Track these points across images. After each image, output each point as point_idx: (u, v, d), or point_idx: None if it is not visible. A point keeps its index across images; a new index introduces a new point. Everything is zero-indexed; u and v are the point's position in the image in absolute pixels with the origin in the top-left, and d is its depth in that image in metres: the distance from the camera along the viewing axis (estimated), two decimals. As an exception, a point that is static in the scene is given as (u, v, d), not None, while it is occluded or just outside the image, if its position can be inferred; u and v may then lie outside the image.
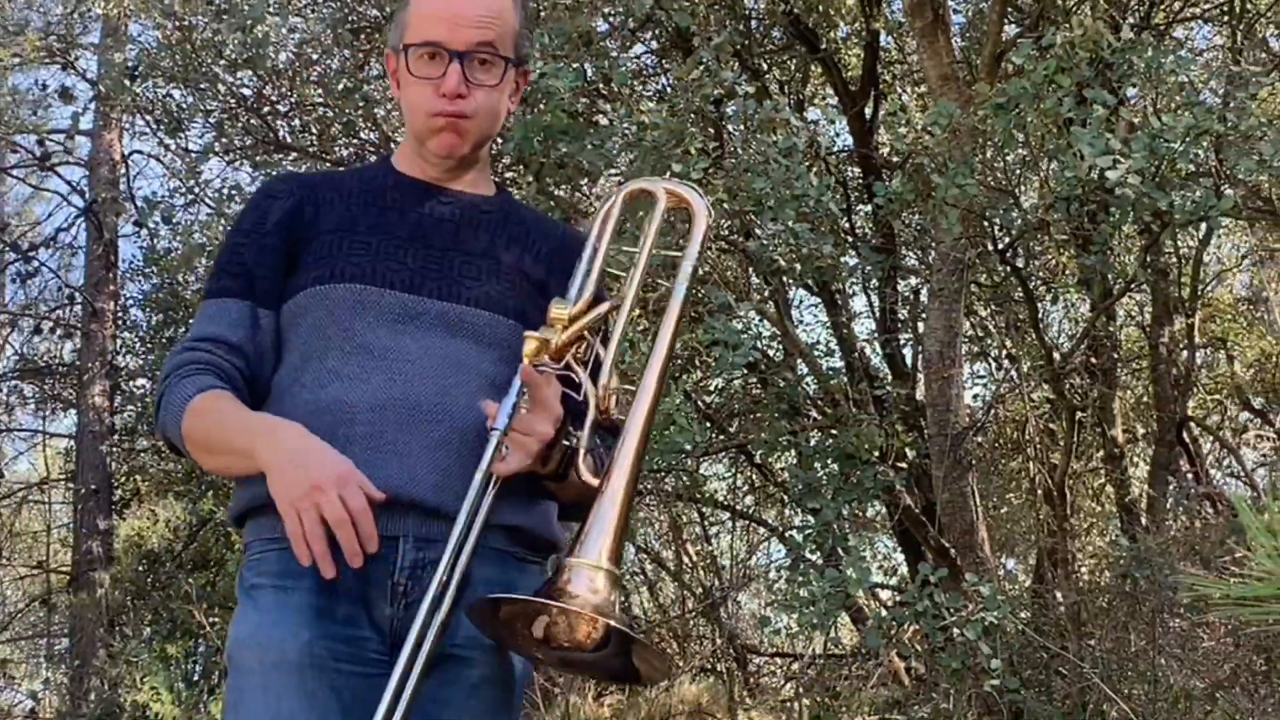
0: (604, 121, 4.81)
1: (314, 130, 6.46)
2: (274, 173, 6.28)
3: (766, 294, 5.66)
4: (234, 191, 6.97)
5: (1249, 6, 6.78)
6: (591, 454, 1.64)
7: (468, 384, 1.70)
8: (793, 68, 7.37)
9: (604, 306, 1.72)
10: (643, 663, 1.63)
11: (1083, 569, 6.51)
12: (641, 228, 1.84)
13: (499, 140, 5.45)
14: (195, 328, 1.76)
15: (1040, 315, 6.40)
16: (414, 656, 1.52)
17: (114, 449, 9.01)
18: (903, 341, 6.86)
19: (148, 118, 7.39)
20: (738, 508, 8.15)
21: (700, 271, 5.38)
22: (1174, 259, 6.94)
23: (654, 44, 6.75)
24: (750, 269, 5.45)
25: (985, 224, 5.25)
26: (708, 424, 5.60)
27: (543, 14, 5.35)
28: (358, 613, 1.62)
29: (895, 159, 6.52)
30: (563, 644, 1.58)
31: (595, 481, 1.61)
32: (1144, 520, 6.51)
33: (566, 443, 1.63)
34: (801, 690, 7.38)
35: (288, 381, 1.72)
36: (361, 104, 5.73)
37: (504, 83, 1.81)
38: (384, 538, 1.60)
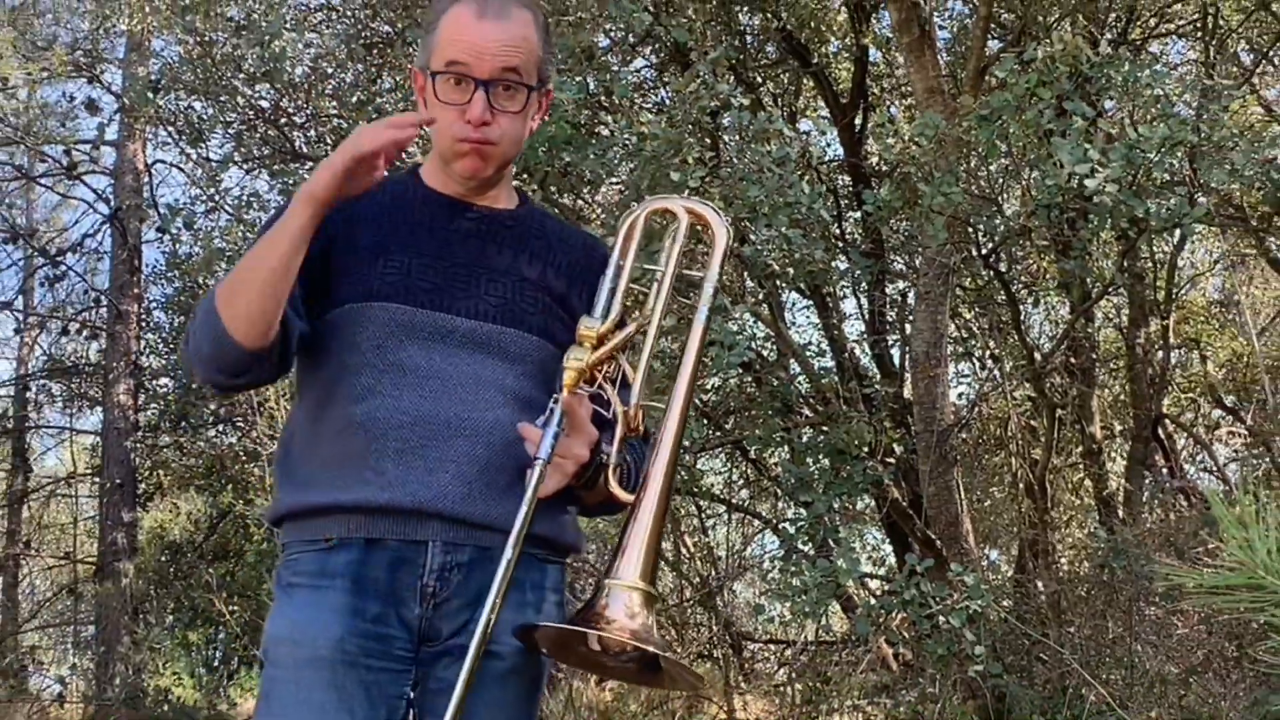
0: (605, 132, 4.81)
1: (329, 140, 6.45)
2: (291, 181, 6.28)
3: (761, 297, 5.66)
4: (252, 199, 6.98)
5: (1220, 23, 6.78)
6: (620, 468, 1.65)
7: (495, 399, 1.71)
8: (786, 81, 7.38)
9: (631, 328, 1.72)
10: (674, 678, 1.66)
11: (1062, 559, 6.52)
12: (660, 243, 1.83)
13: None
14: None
15: (1022, 317, 6.40)
16: (477, 654, 1.52)
17: (138, 445, 9.01)
18: (891, 342, 6.87)
19: (170, 129, 7.40)
20: (733, 501, 8.14)
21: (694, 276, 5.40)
22: (1150, 264, 6.94)
23: (653, 58, 6.75)
24: (745, 273, 5.45)
25: (969, 230, 5.26)
26: (705, 421, 5.60)
27: (546, 29, 5.35)
28: (388, 612, 1.63)
29: (883, 168, 6.52)
30: (601, 659, 1.61)
31: (624, 496, 1.63)
32: (1121, 513, 6.52)
33: (599, 459, 1.65)
34: (794, 675, 7.38)
35: (323, 396, 1.73)
36: (374, 115, 5.72)
37: (528, 107, 1.81)
38: (413, 543, 1.64)
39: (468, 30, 1.77)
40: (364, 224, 1.80)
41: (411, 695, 1.65)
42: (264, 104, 6.41)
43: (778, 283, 5.60)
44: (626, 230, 1.80)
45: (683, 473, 6.41)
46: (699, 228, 1.84)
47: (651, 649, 1.53)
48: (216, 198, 7.36)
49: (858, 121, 6.92)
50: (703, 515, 8.99)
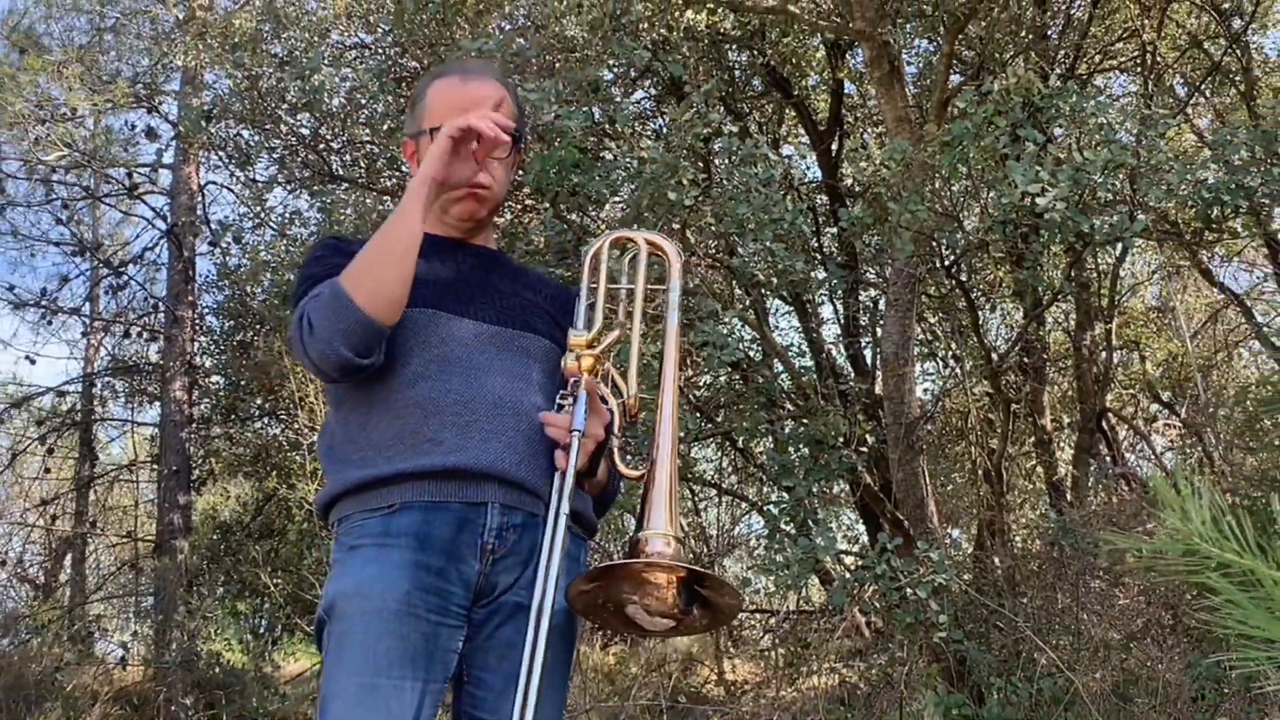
0: (609, 156, 4.80)
1: (362, 164, 6.46)
2: (329, 200, 6.29)
3: (748, 303, 5.66)
4: (294, 216, 6.99)
5: (1158, 59, 6.79)
6: (624, 450, 1.73)
7: (526, 388, 1.76)
8: (770, 111, 7.38)
9: (614, 334, 1.77)
10: (720, 599, 1.65)
11: (1016, 538, 6.52)
12: (623, 266, 1.89)
13: (520, 174, 5.45)
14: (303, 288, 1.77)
15: (980, 322, 6.40)
16: (539, 615, 1.54)
17: (192, 436, 9.02)
18: (863, 344, 6.88)
19: (220, 153, 7.39)
20: (723, 485, 8.16)
21: (689, 286, 5.39)
22: (1094, 274, 6.95)
23: (652, 91, 6.76)
24: (734, 282, 5.45)
25: (933, 244, 5.25)
26: (698, 414, 5.60)
27: (557, 65, 5.35)
28: (449, 569, 1.63)
29: (857, 188, 6.52)
30: (646, 605, 1.63)
31: (629, 472, 1.70)
32: (1069, 496, 6.52)
33: (610, 442, 1.71)
34: (777, 641, 7.38)
35: (376, 385, 1.73)
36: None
37: (511, 157, 1.87)
38: (475, 504, 1.66)
39: (457, 92, 1.84)
40: None
41: (462, 649, 1.65)
42: (304, 131, 6.41)
43: (763, 291, 5.60)
44: (591, 258, 1.85)
45: (678, 460, 6.43)
46: (656, 253, 1.89)
47: (691, 566, 1.60)
48: (262, 215, 7.39)
49: (834, 147, 6.93)
50: (696, 498, 9.00)
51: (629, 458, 1.76)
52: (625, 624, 1.64)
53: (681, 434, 4.69)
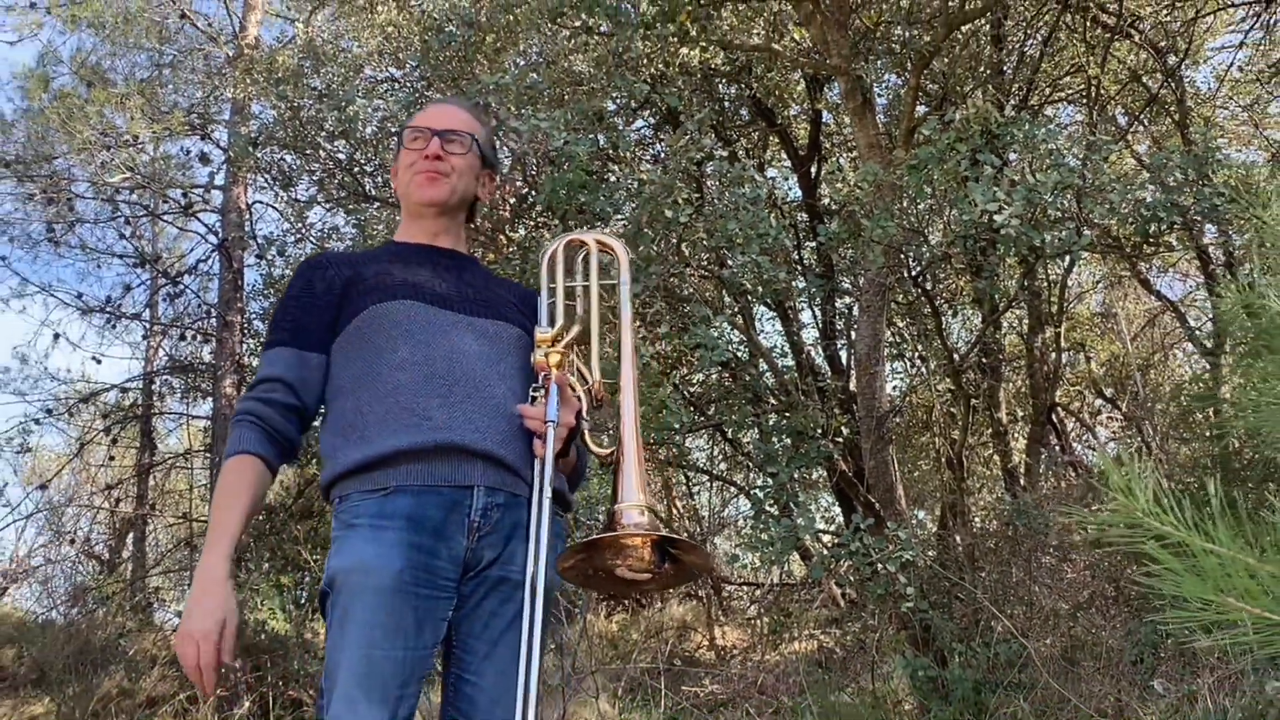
0: (612, 178, 4.80)
1: (392, 185, 6.46)
2: (363, 217, 6.28)
3: (736, 309, 5.66)
4: (332, 232, 6.99)
5: (1101, 92, 6.79)
6: (594, 431, 1.73)
7: (504, 371, 1.75)
8: (756, 138, 7.38)
9: (576, 329, 1.75)
10: (689, 558, 1.65)
11: (976, 519, 6.52)
12: (579, 265, 1.87)
13: (533, 193, 5.45)
14: (260, 371, 1.79)
15: (943, 326, 6.41)
16: (534, 589, 1.57)
17: (241, 427, 9.02)
18: (839, 345, 6.87)
19: (266, 176, 7.38)
20: (714, 472, 8.15)
21: (684, 294, 5.39)
22: (1045, 283, 6.94)
23: (650, 120, 6.75)
24: (723, 290, 5.45)
25: (902, 256, 5.26)
26: (691, 408, 5.60)
27: (566, 97, 5.35)
28: (438, 546, 1.62)
29: (834, 207, 6.53)
30: (628, 565, 1.62)
31: (600, 450, 1.68)
32: (1022, 482, 6.52)
33: (581, 426, 1.71)
34: (762, 611, 7.38)
35: (366, 370, 1.72)
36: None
37: (470, 156, 1.88)
38: (460, 486, 1.64)
39: (427, 111, 1.93)
40: (367, 265, 1.85)
41: (451, 617, 1.65)
42: (341, 156, 6.41)
43: (749, 298, 5.60)
44: (549, 259, 1.83)
45: (674, 449, 6.42)
46: (606, 252, 1.87)
47: (663, 532, 1.59)
48: (303, 231, 7.38)
49: (813, 170, 6.93)
50: (690, 483, 9.00)
51: (604, 437, 1.76)
52: (615, 583, 1.63)
53: (676, 426, 4.69)
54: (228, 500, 1.66)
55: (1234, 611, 0.87)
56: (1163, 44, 6.80)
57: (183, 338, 9.94)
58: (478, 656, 1.64)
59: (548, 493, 1.60)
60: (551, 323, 1.75)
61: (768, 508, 4.64)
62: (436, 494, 1.63)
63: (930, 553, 5.11)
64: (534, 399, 1.69)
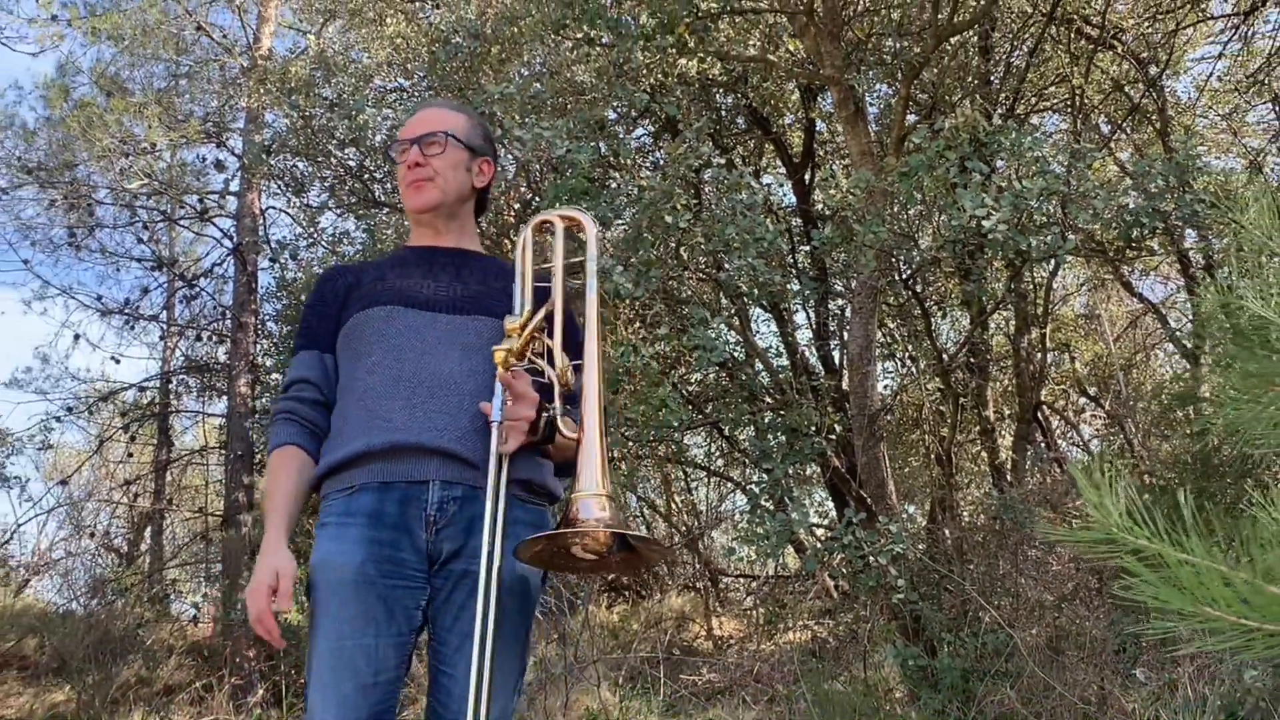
0: (614, 184, 4.80)
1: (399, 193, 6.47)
2: (372, 222, 6.28)
3: (733, 311, 5.66)
4: (342, 236, 6.97)
5: (1085, 101, 6.79)
6: (567, 416, 1.65)
7: (476, 369, 1.73)
8: (752, 145, 7.38)
9: (541, 312, 1.72)
10: (646, 551, 1.64)
11: (964, 513, 6.52)
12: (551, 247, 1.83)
13: (537, 199, 5.45)
14: (290, 373, 1.86)
15: (933, 327, 6.41)
16: (488, 580, 1.56)
17: (254, 425, 9.01)
18: (832, 346, 6.87)
19: (279, 182, 7.40)
20: (711, 468, 8.15)
21: (682, 295, 5.39)
22: (1031, 286, 6.94)
23: (650, 128, 6.75)
24: (721, 293, 5.45)
25: (893, 260, 5.26)
26: (690, 406, 5.59)
27: (568, 106, 5.34)
28: (400, 539, 1.64)
29: (827, 212, 6.52)
30: (589, 554, 1.57)
31: (570, 435, 1.63)
32: (1009, 477, 6.51)
33: (545, 414, 1.64)
34: (758, 602, 7.38)
35: (348, 375, 1.78)
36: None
37: (452, 152, 1.88)
38: (418, 483, 1.65)
39: (409, 123, 1.94)
40: (368, 272, 1.90)
41: (424, 606, 1.65)
42: (351, 163, 6.41)
43: (746, 300, 5.60)
44: (521, 246, 1.81)
45: (673, 446, 6.42)
46: (572, 226, 1.82)
47: (618, 530, 1.51)
48: (315, 235, 7.37)
49: (807, 177, 6.93)
50: (688, 479, 9.00)
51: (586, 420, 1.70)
52: (570, 560, 1.58)
53: (675, 423, 4.69)
54: (275, 485, 1.73)
55: (1211, 620, 0.87)
56: (1144, 55, 6.80)
57: (198, 338, 9.94)
58: (450, 649, 1.65)
59: (502, 488, 1.60)
60: (521, 310, 1.72)
61: (763, 502, 4.64)
62: (393, 489, 1.65)
63: (920, 546, 5.11)
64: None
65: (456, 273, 1.85)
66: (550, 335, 1.71)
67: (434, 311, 1.78)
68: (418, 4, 7.13)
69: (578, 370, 1.72)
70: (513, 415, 1.63)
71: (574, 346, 1.75)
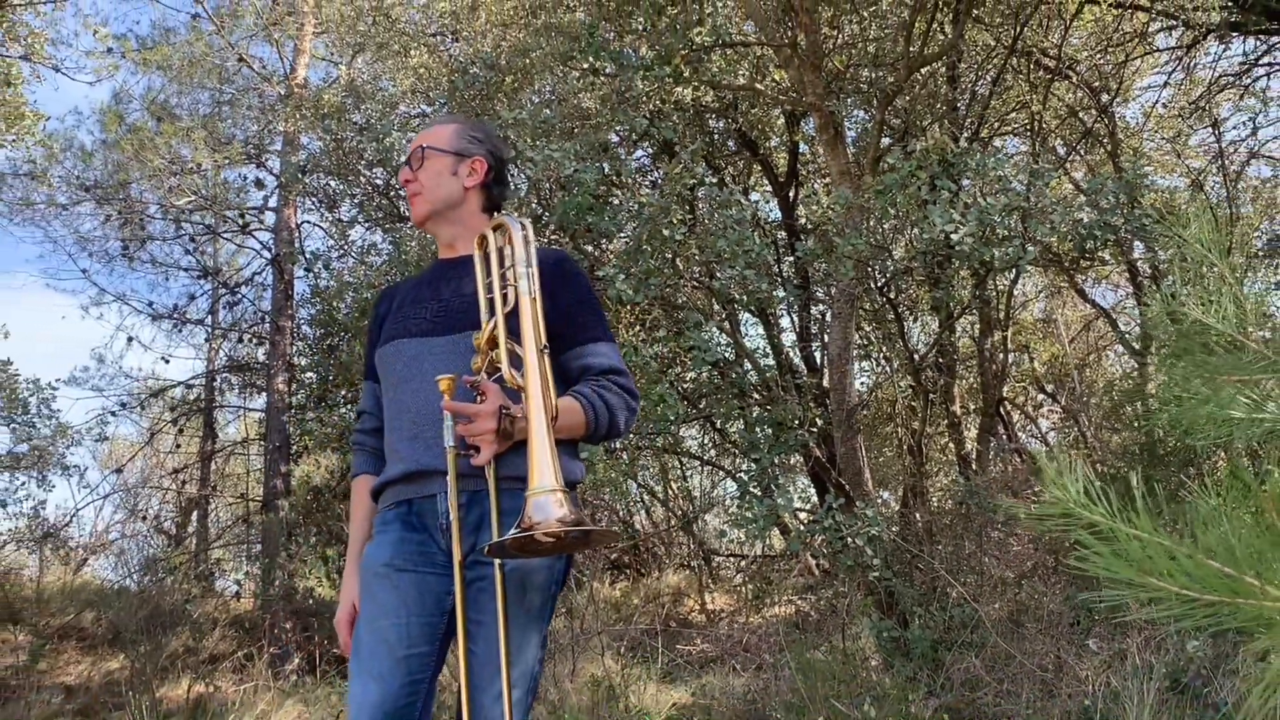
0: (616, 201, 4.80)
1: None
2: (397, 236, 6.28)
3: (724, 316, 5.66)
4: (370, 248, 6.98)
5: (1043, 126, 6.79)
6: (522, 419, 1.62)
7: (468, 391, 1.66)
8: (741, 166, 7.38)
9: (491, 322, 1.65)
10: (599, 537, 1.62)
11: (933, 499, 6.52)
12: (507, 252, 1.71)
13: (546, 214, 5.44)
14: (360, 402, 1.93)
15: (905, 330, 6.41)
16: (462, 566, 1.61)
17: (290, 419, 9.02)
18: (814, 347, 6.87)
19: (313, 199, 7.40)
20: (704, 457, 8.15)
21: (678, 301, 5.38)
22: (994, 292, 6.94)
23: (649, 150, 6.75)
24: (713, 299, 5.45)
25: (869, 269, 5.26)
26: (685, 402, 5.60)
27: (575, 130, 5.34)
28: (425, 539, 1.69)
29: (809, 226, 6.52)
30: (548, 539, 1.50)
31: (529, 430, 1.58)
32: (974, 466, 6.51)
33: (507, 415, 1.58)
34: (747, 579, 7.38)
35: (385, 406, 1.83)
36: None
37: (430, 163, 1.85)
38: (428, 497, 1.70)
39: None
40: (396, 298, 1.90)
41: (453, 593, 1.65)
42: (378, 182, 6.41)
43: (736, 306, 5.60)
44: (476, 263, 1.73)
45: (670, 438, 6.43)
46: (501, 229, 1.72)
47: (569, 528, 1.45)
48: (345, 247, 7.37)
49: (791, 194, 6.93)
50: (684, 468, 9.00)
51: (594, 407, 1.69)
52: (534, 543, 1.51)
53: (671, 418, 4.69)
54: (353, 515, 1.87)
55: (1156, 590, 0.88)
56: (1096, 84, 6.81)
57: (240, 340, 9.95)
58: (471, 627, 1.66)
59: (493, 495, 1.60)
60: (484, 322, 1.66)
61: (751, 489, 4.65)
62: (412, 504, 1.72)
63: (893, 529, 5.12)
64: (479, 401, 1.64)
65: (457, 286, 1.79)
66: (517, 339, 1.62)
67: (431, 336, 1.75)
68: (439, 38, 7.14)
69: (553, 351, 1.64)
70: (475, 433, 1.58)
71: (575, 325, 1.72)
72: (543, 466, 1.49)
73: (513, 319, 1.63)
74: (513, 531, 1.47)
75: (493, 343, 1.63)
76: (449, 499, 1.62)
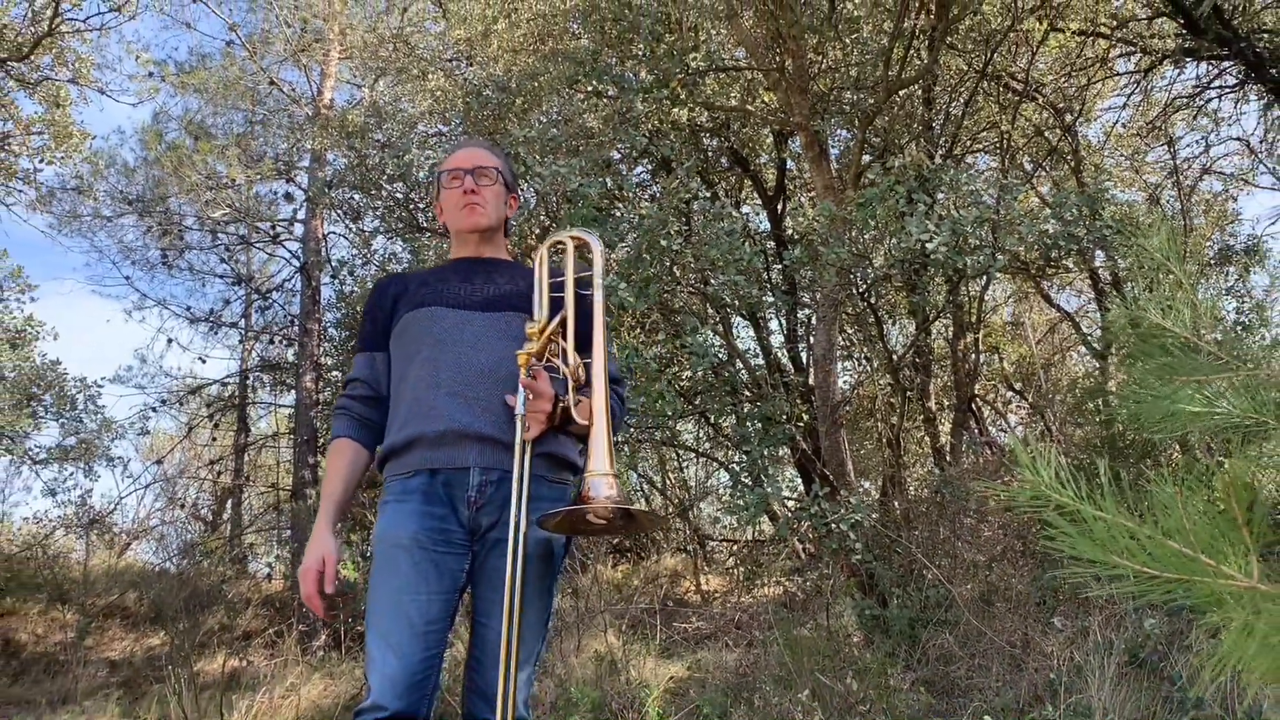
0: (618, 214, 4.80)
1: (439, 219, 6.46)
2: (416, 245, 6.28)
3: (718, 319, 5.66)
4: (391, 256, 6.97)
5: (1011, 144, 6.79)
6: (578, 405, 1.67)
7: (504, 357, 1.72)
8: (733, 180, 7.38)
9: (557, 318, 1.71)
10: (645, 521, 1.66)
11: (910, 488, 6.52)
12: (566, 261, 1.79)
13: (554, 224, 5.44)
14: (351, 371, 1.85)
15: (884, 332, 6.40)
16: (516, 545, 1.58)
17: (318, 414, 9.02)
18: (800, 348, 6.87)
19: (338, 211, 7.39)
20: (700, 450, 8.15)
21: (676, 306, 5.38)
22: (966, 298, 6.94)
23: (648, 166, 6.75)
24: (708, 304, 5.45)
25: (851, 276, 5.26)
26: (682, 399, 5.60)
27: (580, 148, 5.34)
28: (448, 514, 1.65)
29: (796, 236, 6.52)
30: (599, 521, 1.57)
31: (581, 420, 1.64)
32: (948, 458, 6.51)
33: (561, 404, 1.65)
34: (739, 562, 7.38)
35: (401, 369, 1.77)
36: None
37: (497, 186, 1.89)
38: (460, 469, 1.65)
39: (456, 154, 1.92)
40: (414, 280, 1.87)
41: (467, 570, 1.66)
42: (399, 195, 6.41)
43: (728, 310, 5.60)
44: (537, 260, 1.80)
45: (668, 432, 6.42)
46: (582, 248, 1.81)
47: (625, 506, 1.54)
48: (368, 256, 7.37)
49: (779, 207, 6.92)
50: (680, 459, 8.99)
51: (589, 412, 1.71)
52: (585, 525, 1.58)
53: (669, 413, 4.69)
54: (329, 475, 1.75)
55: (1118, 567, 0.88)
56: (1061, 105, 6.81)
57: (271, 342, 9.95)
58: (486, 603, 1.66)
59: (526, 471, 1.61)
60: (538, 314, 1.71)
61: (743, 479, 4.64)
62: (440, 475, 1.66)
63: (874, 515, 5.12)
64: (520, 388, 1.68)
65: (489, 276, 1.83)
66: (564, 337, 1.70)
67: (470, 310, 1.76)
68: (454, 62, 7.13)
69: (587, 367, 1.71)
70: (532, 409, 1.63)
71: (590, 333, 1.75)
72: (602, 452, 1.55)
73: (581, 322, 1.72)
74: (565, 509, 1.53)
75: (547, 335, 1.68)
76: (515, 465, 1.61)
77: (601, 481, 1.52)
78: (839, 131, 6.64)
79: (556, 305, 1.74)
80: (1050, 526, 0.94)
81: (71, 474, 8.61)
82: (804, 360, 6.82)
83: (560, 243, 1.82)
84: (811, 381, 6.06)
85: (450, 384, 1.68)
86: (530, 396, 1.64)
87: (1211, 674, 0.87)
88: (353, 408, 1.78)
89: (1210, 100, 6.93)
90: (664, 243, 4.36)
